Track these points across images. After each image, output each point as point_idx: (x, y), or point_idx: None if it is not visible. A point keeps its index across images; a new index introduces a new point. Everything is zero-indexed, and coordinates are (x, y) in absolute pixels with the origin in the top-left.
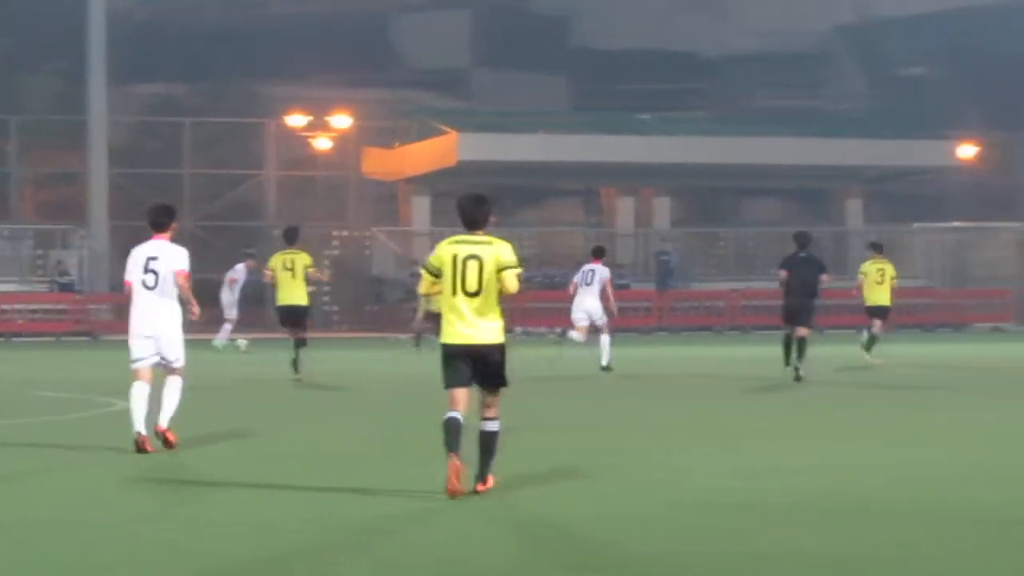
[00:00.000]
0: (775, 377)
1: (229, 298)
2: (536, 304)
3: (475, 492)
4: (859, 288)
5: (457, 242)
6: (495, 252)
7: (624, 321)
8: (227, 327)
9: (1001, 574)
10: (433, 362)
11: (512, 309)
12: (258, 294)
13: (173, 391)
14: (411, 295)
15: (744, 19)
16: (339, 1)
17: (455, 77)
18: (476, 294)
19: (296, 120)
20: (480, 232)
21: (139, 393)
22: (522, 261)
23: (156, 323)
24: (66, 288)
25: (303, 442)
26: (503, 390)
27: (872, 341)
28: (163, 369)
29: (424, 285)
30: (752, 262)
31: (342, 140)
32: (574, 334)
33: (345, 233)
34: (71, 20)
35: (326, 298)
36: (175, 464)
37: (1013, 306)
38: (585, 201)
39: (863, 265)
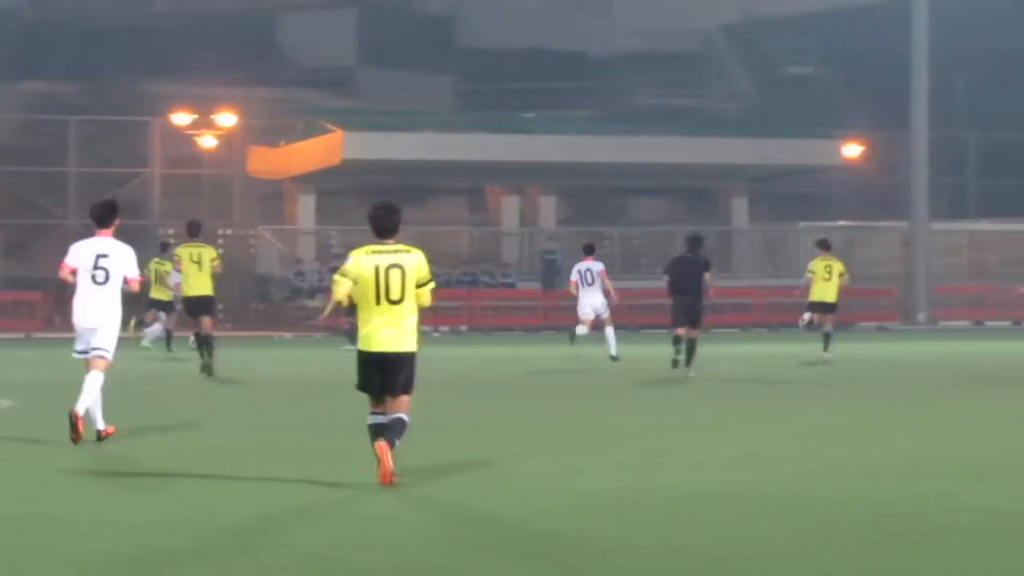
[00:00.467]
0: (664, 375)
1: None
2: None
3: (375, 454)
4: (806, 285)
5: (375, 252)
6: (415, 262)
7: (510, 320)
8: (157, 327)
9: (881, 568)
10: (325, 359)
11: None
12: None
13: (94, 383)
14: (296, 294)
15: (629, 18)
16: None
17: (341, 76)
18: (399, 302)
19: (181, 118)
20: (392, 240)
21: (89, 384)
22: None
23: (97, 316)
24: None
25: (190, 439)
26: (410, 395)
27: (828, 336)
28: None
29: (341, 292)
30: (638, 261)
31: (228, 138)
32: (580, 328)
33: (230, 232)
34: None
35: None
36: (59, 461)
37: (898, 305)
38: (471, 200)
39: (811, 263)
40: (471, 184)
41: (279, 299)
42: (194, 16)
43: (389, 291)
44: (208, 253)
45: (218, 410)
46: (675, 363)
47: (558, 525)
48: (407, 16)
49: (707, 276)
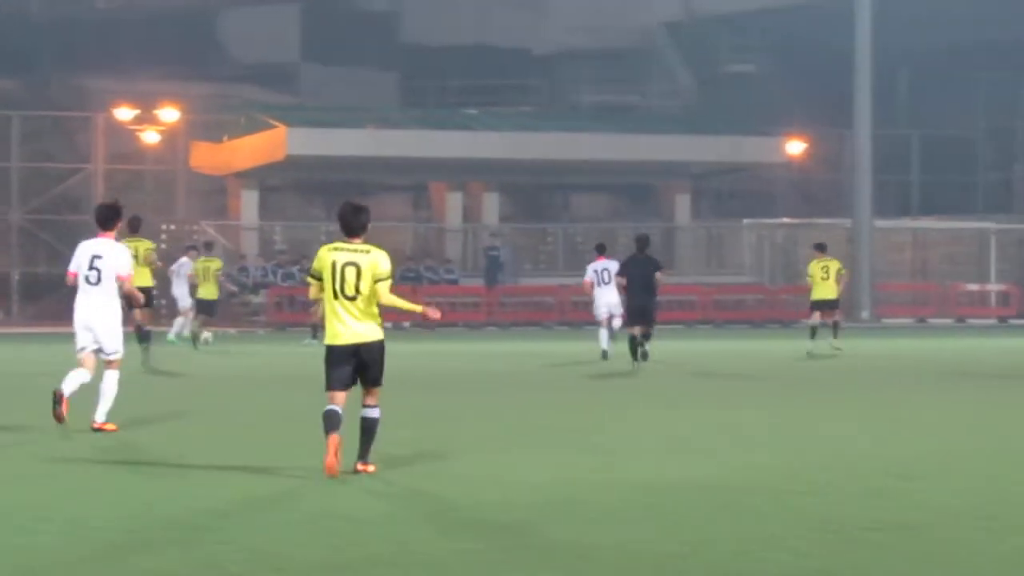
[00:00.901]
0: (615, 370)
1: (180, 291)
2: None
3: (355, 471)
4: (810, 287)
5: (336, 249)
6: (372, 260)
7: (453, 316)
8: (180, 320)
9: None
10: (269, 354)
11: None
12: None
13: (109, 385)
14: (240, 290)
15: (571, 15)
16: None
17: (284, 72)
18: (353, 298)
19: (124, 114)
20: (358, 240)
21: (76, 374)
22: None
23: (94, 316)
24: None
25: (131, 433)
26: (380, 385)
27: (836, 327)
28: (102, 361)
29: (312, 290)
30: (581, 258)
31: (170, 134)
32: (603, 337)
33: (173, 227)
34: None
35: (155, 292)
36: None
37: (841, 302)
38: (414, 196)
39: (809, 265)
40: (414, 180)
41: (223, 295)
42: (135, 12)
43: (344, 287)
44: (144, 245)
45: (160, 404)
46: (640, 355)
47: (505, 519)
48: (350, 12)
49: (658, 276)
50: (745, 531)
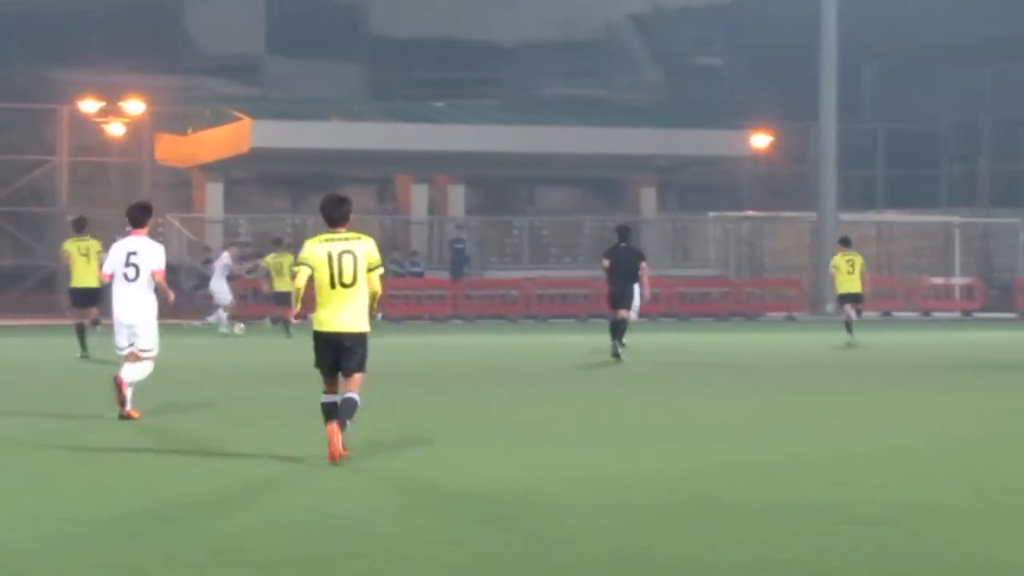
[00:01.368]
0: (575, 364)
1: (219, 285)
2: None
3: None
4: (832, 279)
5: (327, 240)
6: (366, 249)
7: (418, 309)
8: (222, 313)
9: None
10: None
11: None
12: (49, 279)
13: (141, 368)
14: (204, 282)
15: (538, 7)
16: None
17: (249, 64)
18: (351, 285)
19: (89, 106)
20: (343, 228)
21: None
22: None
23: (132, 312)
24: None
25: (97, 427)
26: (365, 374)
27: (849, 325)
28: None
29: (300, 280)
30: (547, 251)
31: (135, 126)
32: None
33: None
34: None
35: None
36: None
37: (806, 296)
38: (380, 189)
39: (834, 259)
40: (380, 173)
41: (187, 288)
42: (102, 4)
43: (342, 275)
44: (95, 246)
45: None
46: (618, 349)
47: (474, 513)
48: (315, 4)
49: (644, 266)
50: (714, 524)
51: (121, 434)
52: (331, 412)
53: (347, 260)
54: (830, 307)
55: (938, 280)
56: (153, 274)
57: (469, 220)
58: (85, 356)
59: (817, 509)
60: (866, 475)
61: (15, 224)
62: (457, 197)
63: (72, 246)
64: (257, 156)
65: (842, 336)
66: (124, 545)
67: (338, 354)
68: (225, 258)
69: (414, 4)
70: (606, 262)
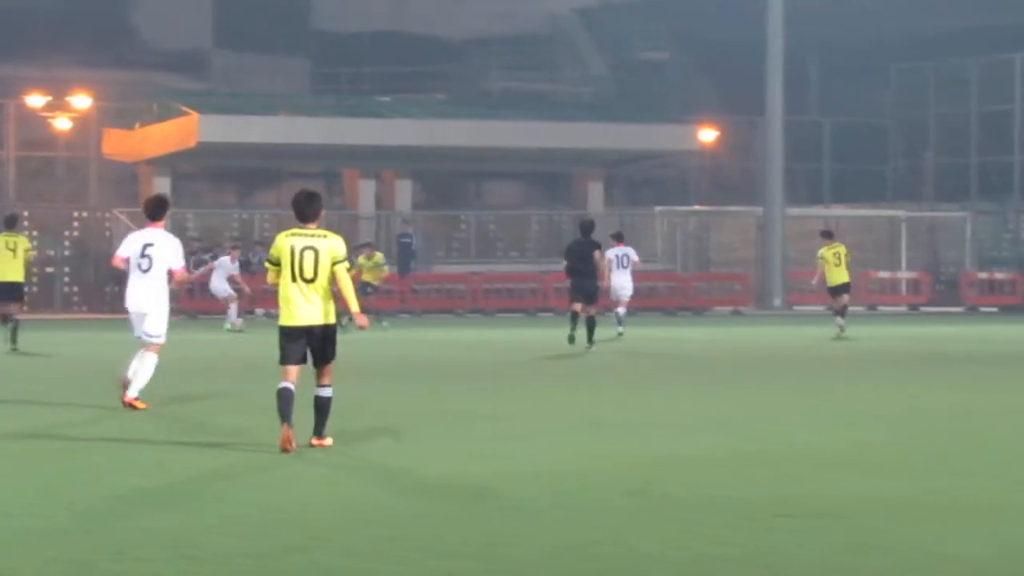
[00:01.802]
0: (524, 358)
1: (219, 284)
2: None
3: (311, 445)
4: (820, 273)
5: (294, 235)
6: (330, 245)
7: (365, 303)
8: (232, 307)
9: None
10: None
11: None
12: None
13: (147, 365)
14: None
15: (482, 1)
16: None
17: (196, 59)
18: (312, 280)
19: (35, 100)
20: (312, 225)
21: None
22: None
23: (145, 301)
24: None
25: (46, 419)
26: (333, 363)
27: (843, 313)
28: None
29: (270, 276)
30: (494, 245)
31: (82, 121)
32: (621, 312)
33: (85, 214)
34: None
35: (66, 279)
36: None
37: (753, 290)
38: (326, 183)
39: (821, 251)
40: (327, 167)
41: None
42: None
43: (303, 270)
44: (23, 243)
45: (72, 391)
46: (571, 338)
47: (415, 509)
48: None
49: (596, 255)
50: (661, 517)
51: (74, 428)
52: (285, 401)
53: (308, 256)
54: (777, 301)
55: (884, 274)
56: (173, 274)
57: (416, 215)
58: (15, 349)
59: (762, 503)
60: (811, 469)
61: None
62: (404, 192)
63: (0, 241)
64: (204, 150)
65: (829, 330)
66: (69, 538)
67: (305, 346)
68: (226, 261)
69: None
70: (565, 263)
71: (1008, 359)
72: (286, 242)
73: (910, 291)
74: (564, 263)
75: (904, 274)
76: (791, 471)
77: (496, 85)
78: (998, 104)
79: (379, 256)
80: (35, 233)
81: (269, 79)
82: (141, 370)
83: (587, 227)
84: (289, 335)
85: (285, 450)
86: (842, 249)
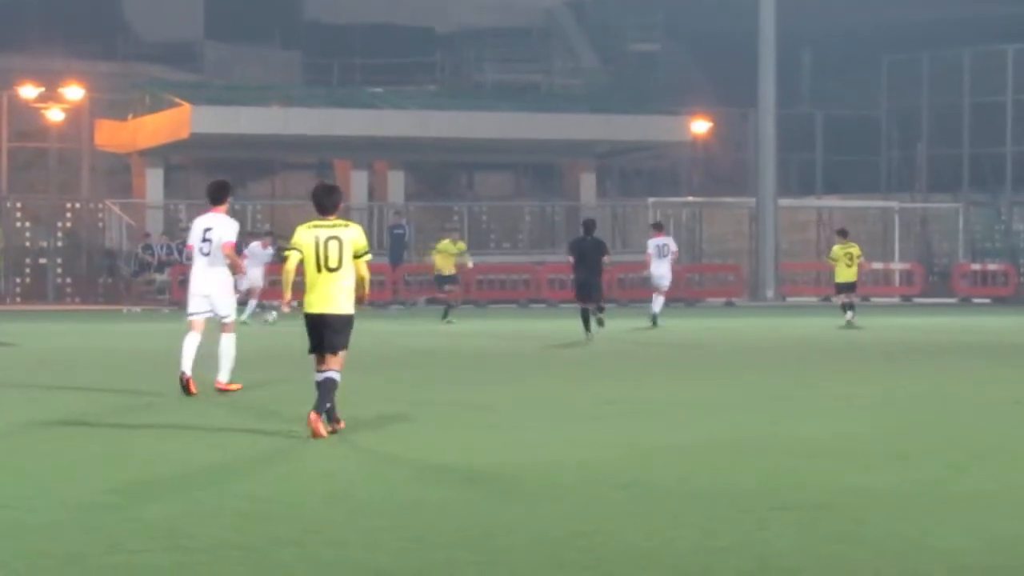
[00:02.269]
0: (516, 349)
1: (253, 272)
2: (274, 277)
3: (308, 421)
4: (831, 270)
5: (316, 226)
6: (352, 235)
7: (357, 293)
8: (252, 303)
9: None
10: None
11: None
12: None
13: (228, 348)
14: (144, 268)
15: None
16: None
17: (188, 50)
18: (337, 269)
19: (28, 91)
20: (332, 216)
21: (191, 341)
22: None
23: (208, 284)
24: None
25: (35, 412)
26: (344, 352)
27: (851, 307)
28: (219, 323)
29: (290, 264)
30: (486, 236)
31: (75, 112)
32: (658, 302)
33: (78, 205)
34: None
35: (59, 271)
36: None
37: (745, 281)
38: (319, 174)
39: (833, 249)
40: (319, 159)
41: (127, 273)
42: None
43: (328, 260)
44: None
45: (64, 384)
46: (596, 321)
47: (408, 498)
48: None
49: (605, 259)
50: (653, 509)
51: (69, 418)
52: (323, 390)
53: (333, 246)
54: (769, 292)
55: (877, 266)
56: (223, 246)
57: (408, 206)
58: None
59: (754, 494)
60: (803, 460)
61: None
62: (396, 183)
63: None
64: (196, 142)
65: (837, 320)
66: (65, 533)
67: (323, 333)
68: (256, 247)
69: None
70: (571, 257)
71: (999, 350)
72: (310, 234)
73: (903, 282)
74: (570, 258)
75: (897, 265)
76: (783, 462)
77: (488, 77)
78: (991, 95)
79: (463, 244)
80: (27, 224)
81: (261, 70)
82: (224, 353)
83: (589, 225)
84: (313, 323)
85: (317, 435)
86: (855, 250)
